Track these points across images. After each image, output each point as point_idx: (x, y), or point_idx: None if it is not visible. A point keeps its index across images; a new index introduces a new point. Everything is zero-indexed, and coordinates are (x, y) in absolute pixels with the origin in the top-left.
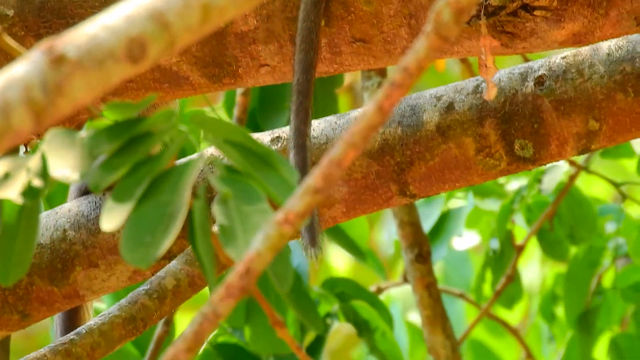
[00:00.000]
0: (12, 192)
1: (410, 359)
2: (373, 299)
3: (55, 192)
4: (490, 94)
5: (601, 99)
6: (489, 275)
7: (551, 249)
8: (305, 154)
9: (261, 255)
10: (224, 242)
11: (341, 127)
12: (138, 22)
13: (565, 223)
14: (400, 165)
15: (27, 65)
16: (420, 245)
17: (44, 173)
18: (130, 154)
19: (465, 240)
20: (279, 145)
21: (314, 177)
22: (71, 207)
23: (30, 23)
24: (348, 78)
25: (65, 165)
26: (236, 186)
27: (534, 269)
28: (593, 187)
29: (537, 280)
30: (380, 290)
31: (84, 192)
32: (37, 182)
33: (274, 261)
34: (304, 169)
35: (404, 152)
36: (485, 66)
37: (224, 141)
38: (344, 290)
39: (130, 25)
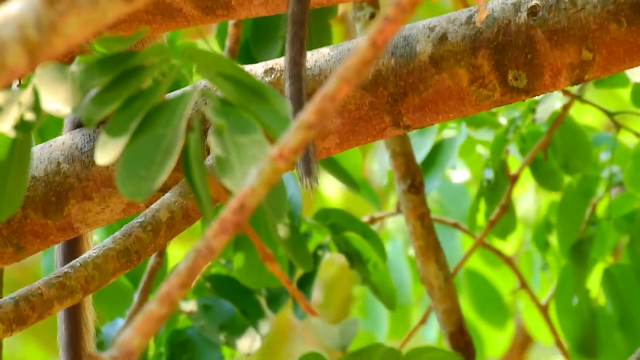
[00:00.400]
0: (5, 126)
1: (414, 294)
2: (366, 230)
3: (48, 126)
4: (480, 17)
5: (594, 29)
6: (482, 206)
7: (545, 179)
8: (301, 84)
9: (255, 190)
10: (221, 173)
11: (334, 58)
12: None
13: (559, 153)
14: (394, 96)
15: (21, 4)
16: (413, 176)
17: (36, 107)
18: (123, 88)
19: (462, 172)
20: (273, 76)
21: (308, 112)
22: (65, 139)
23: None
24: (340, 8)
25: (57, 99)
26: (231, 118)
27: (530, 199)
28: (586, 117)
29: (533, 209)
30: (373, 221)
31: (78, 124)
32: (29, 116)
33: (269, 195)
34: (299, 99)
35: (398, 83)
36: None
37: (216, 74)
38: (336, 221)
39: None
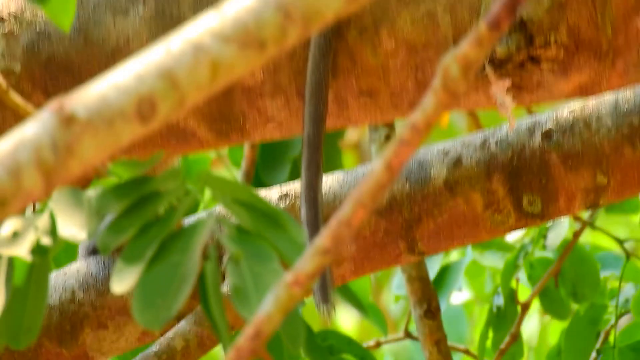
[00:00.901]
0: (22, 250)
1: None
2: (364, 355)
3: (61, 253)
4: (512, 124)
5: (609, 153)
6: (491, 333)
7: (553, 306)
8: (318, 209)
9: (271, 317)
10: (238, 303)
11: (349, 183)
12: (148, 80)
13: (567, 280)
14: (409, 222)
15: (36, 126)
16: (429, 301)
17: (52, 231)
18: (139, 215)
19: (461, 294)
20: (288, 202)
21: (324, 238)
22: (79, 267)
23: (37, 78)
24: (354, 135)
25: (73, 224)
26: (247, 246)
27: (534, 322)
28: (598, 241)
29: (536, 333)
30: (379, 345)
31: (92, 250)
32: (46, 240)
33: (285, 321)
34: (316, 224)
35: (412, 209)
36: (504, 105)
37: (232, 201)
38: (333, 343)
39: (140, 84)
